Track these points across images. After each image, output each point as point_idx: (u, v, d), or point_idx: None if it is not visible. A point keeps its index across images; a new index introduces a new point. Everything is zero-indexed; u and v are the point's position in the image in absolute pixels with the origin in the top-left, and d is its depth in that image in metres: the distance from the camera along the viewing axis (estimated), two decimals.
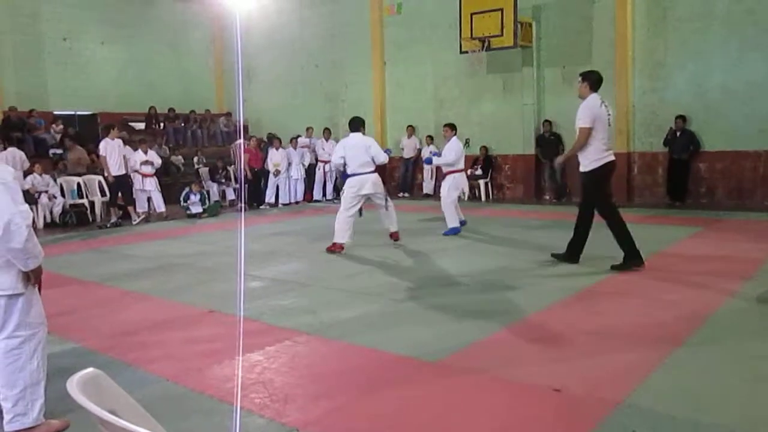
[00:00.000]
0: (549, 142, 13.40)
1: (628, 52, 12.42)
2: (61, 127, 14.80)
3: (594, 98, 6.39)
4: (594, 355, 3.98)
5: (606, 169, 6.42)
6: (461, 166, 9.42)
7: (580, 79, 6.59)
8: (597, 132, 6.29)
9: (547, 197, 13.79)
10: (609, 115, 6.40)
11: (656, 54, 12.25)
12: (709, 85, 11.72)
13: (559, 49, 13.40)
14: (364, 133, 8.39)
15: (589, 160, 6.39)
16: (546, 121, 13.52)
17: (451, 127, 9.48)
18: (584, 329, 4.52)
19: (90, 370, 1.49)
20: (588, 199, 6.61)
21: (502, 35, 12.87)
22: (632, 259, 6.32)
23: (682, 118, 11.75)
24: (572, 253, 6.72)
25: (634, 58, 12.50)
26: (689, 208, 11.41)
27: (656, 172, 12.46)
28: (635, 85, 12.53)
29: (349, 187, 8.24)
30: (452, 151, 9.16)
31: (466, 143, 15.02)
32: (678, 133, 11.78)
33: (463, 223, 9.53)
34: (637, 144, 12.62)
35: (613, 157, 6.50)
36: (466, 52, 13.77)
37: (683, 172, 11.88)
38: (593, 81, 6.47)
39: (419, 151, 15.68)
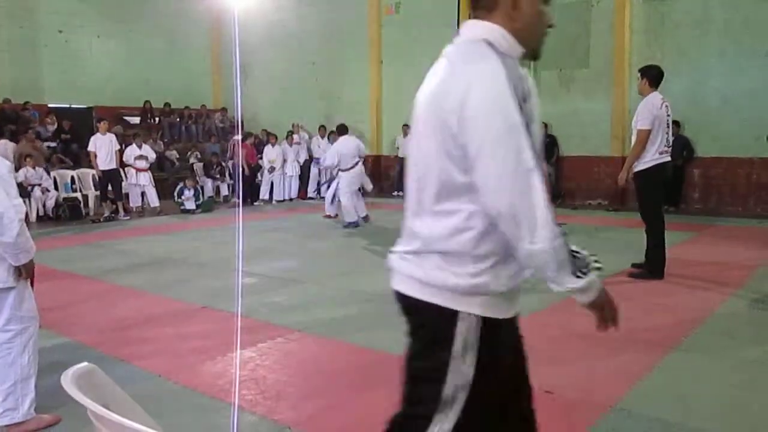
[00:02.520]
0: (544, 144, 13.40)
1: (625, 56, 12.45)
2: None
3: (655, 97, 5.93)
4: (587, 358, 3.98)
5: (661, 169, 6.03)
6: (349, 164, 9.90)
7: (639, 75, 6.12)
8: (656, 134, 5.89)
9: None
10: (669, 115, 6.00)
11: (653, 59, 12.17)
12: (706, 91, 11.76)
13: (557, 52, 13.38)
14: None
15: (643, 161, 6.00)
16: (542, 123, 13.52)
17: (339, 131, 10.45)
18: (578, 332, 4.52)
19: (84, 364, 1.48)
20: (647, 200, 6.23)
21: None
22: (653, 270, 6.08)
23: (676, 124, 11.77)
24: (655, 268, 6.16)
25: (632, 63, 12.52)
26: (683, 213, 11.45)
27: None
28: (632, 90, 12.54)
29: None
30: (331, 154, 10.13)
31: None
32: (672, 139, 11.79)
33: (365, 218, 10.16)
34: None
35: (668, 158, 6.08)
36: None
37: (677, 178, 11.91)
38: (653, 77, 6.02)
39: None
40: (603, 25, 12.71)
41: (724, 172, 11.60)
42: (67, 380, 1.36)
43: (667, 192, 11.93)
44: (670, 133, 6.10)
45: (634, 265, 6.26)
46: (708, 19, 11.64)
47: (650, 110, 5.89)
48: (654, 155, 5.98)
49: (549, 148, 13.33)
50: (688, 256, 7.41)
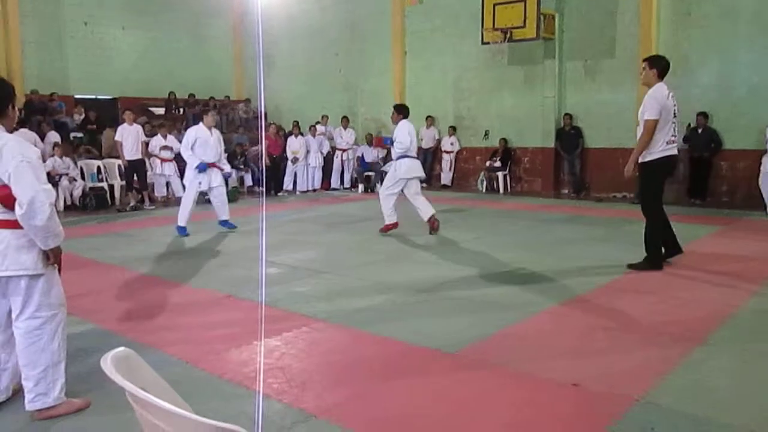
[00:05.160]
0: (569, 135, 13.30)
1: (651, 47, 12.24)
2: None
3: (661, 87, 5.94)
4: (613, 352, 3.95)
5: (666, 162, 6.03)
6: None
7: (646, 65, 6.08)
8: (663, 125, 5.89)
9: (566, 191, 13.70)
10: (675, 105, 5.99)
11: (680, 50, 12.09)
12: (734, 82, 11.56)
13: (582, 42, 13.27)
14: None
15: (650, 152, 5.98)
16: (566, 114, 13.40)
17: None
18: (602, 325, 4.49)
19: (122, 349, 1.50)
20: (648, 192, 6.20)
21: (524, 27, 12.77)
22: (652, 262, 6.13)
23: (703, 115, 11.61)
24: (663, 254, 6.28)
25: (658, 53, 12.32)
26: (709, 206, 11.29)
27: (676, 169, 12.30)
28: None
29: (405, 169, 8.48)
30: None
31: (485, 135, 15.01)
32: (699, 131, 11.65)
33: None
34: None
35: (675, 152, 6.11)
36: (488, 43, 13.68)
37: (704, 170, 11.74)
38: (663, 68, 6.01)
39: (438, 141, 15.66)
40: (629, 14, 12.54)
41: (752, 164, 11.39)
42: (107, 364, 1.38)
43: (693, 184, 11.84)
44: (677, 124, 6.09)
45: (630, 266, 6.22)
46: (736, 8, 11.42)
47: (658, 100, 5.89)
48: (662, 146, 5.97)
49: (573, 140, 13.22)
50: (714, 249, 7.31)
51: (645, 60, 6.20)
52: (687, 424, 2.98)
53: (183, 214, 8.63)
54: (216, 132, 8.90)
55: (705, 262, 6.60)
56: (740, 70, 11.49)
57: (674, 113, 6.00)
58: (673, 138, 6.02)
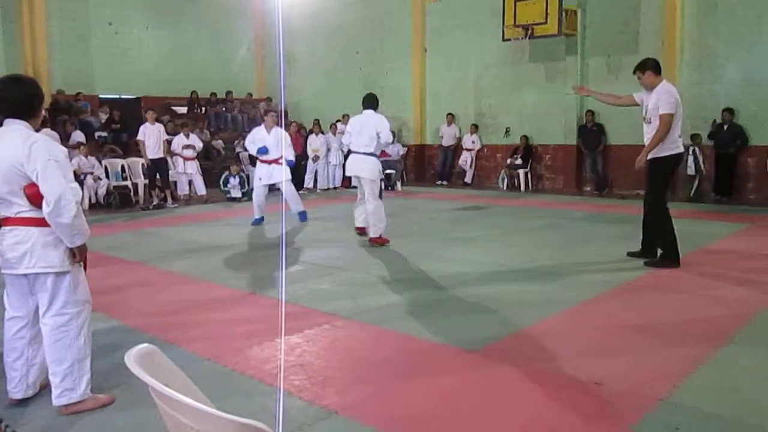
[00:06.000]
0: (591, 132, 13.18)
1: (676, 42, 12.10)
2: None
3: (670, 83, 6.06)
4: (636, 350, 3.91)
5: (675, 160, 6.12)
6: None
7: (639, 73, 6.16)
8: (676, 120, 5.95)
9: (588, 189, 13.58)
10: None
11: (706, 45, 11.92)
12: (761, 77, 11.35)
13: (605, 38, 13.13)
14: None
15: (663, 148, 6.00)
16: (589, 111, 13.29)
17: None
18: (625, 323, 4.45)
19: (146, 345, 1.52)
20: (656, 188, 6.26)
21: (546, 23, 12.68)
22: (669, 257, 6.12)
23: (729, 111, 11.44)
24: (638, 252, 6.44)
25: (683, 48, 12.18)
26: (735, 203, 11.12)
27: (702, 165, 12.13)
28: (683, 77, 12.21)
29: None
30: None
31: (506, 132, 14.93)
32: (725, 127, 11.48)
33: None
34: (682, 137, 12.27)
35: (682, 149, 6.17)
36: (509, 40, 13.61)
37: (730, 167, 11.56)
38: (654, 66, 6.09)
39: (459, 139, 15.61)
40: (652, 9, 12.39)
41: None
42: (130, 359, 1.40)
43: (718, 181, 11.66)
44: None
45: (639, 257, 6.32)
46: (764, 1, 11.21)
47: (673, 94, 5.94)
48: (675, 142, 6.01)
49: (596, 137, 13.10)
50: (740, 247, 7.21)
51: (635, 70, 6.24)
52: (713, 424, 2.94)
53: (253, 207, 9.49)
54: (277, 131, 9.32)
55: (730, 260, 6.51)
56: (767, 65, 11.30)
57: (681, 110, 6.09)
58: (680, 136, 6.09)
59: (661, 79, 6.08)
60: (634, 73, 6.26)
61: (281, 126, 9.62)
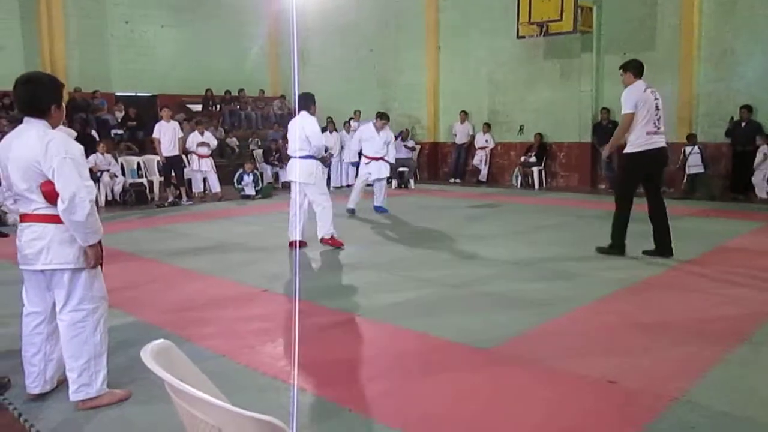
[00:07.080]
0: (606, 130, 13.05)
1: (693, 39, 11.99)
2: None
3: (637, 84, 6.29)
4: (650, 349, 3.89)
5: (645, 157, 6.26)
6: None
7: (621, 71, 6.49)
8: (640, 117, 6.18)
9: (603, 187, 13.50)
10: (657, 99, 6.26)
11: (724, 42, 11.79)
12: None
13: (621, 35, 13.03)
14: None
15: (629, 144, 6.34)
16: (604, 108, 13.20)
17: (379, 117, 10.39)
18: (640, 322, 4.42)
19: (161, 341, 1.53)
20: (622, 181, 6.65)
21: (561, 20, 12.62)
22: (613, 249, 6.53)
23: (747, 108, 11.31)
24: (611, 250, 6.60)
25: (700, 45, 12.06)
26: (753, 202, 11.00)
27: (719, 163, 12.02)
28: (700, 74, 12.11)
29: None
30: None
31: (520, 130, 14.86)
32: (743, 124, 11.36)
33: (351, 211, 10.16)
34: (699, 135, 12.18)
35: (659, 145, 6.28)
36: (523, 37, 13.55)
37: (747, 165, 11.44)
38: (636, 68, 6.37)
39: (472, 137, 15.56)
40: (669, 6, 12.28)
41: None
42: (146, 355, 1.42)
43: (735, 179, 11.54)
44: (660, 116, 6.27)
45: (654, 255, 6.44)
46: None
47: (633, 94, 6.21)
48: (644, 139, 6.21)
49: (611, 134, 12.95)
50: (757, 246, 7.14)
51: (620, 68, 6.52)
52: (728, 423, 2.92)
53: (351, 197, 10.34)
54: (387, 132, 10.41)
55: (746, 258, 6.44)
56: None
57: (657, 106, 6.23)
58: (656, 129, 6.25)
59: (634, 81, 6.30)
60: (620, 69, 6.55)
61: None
